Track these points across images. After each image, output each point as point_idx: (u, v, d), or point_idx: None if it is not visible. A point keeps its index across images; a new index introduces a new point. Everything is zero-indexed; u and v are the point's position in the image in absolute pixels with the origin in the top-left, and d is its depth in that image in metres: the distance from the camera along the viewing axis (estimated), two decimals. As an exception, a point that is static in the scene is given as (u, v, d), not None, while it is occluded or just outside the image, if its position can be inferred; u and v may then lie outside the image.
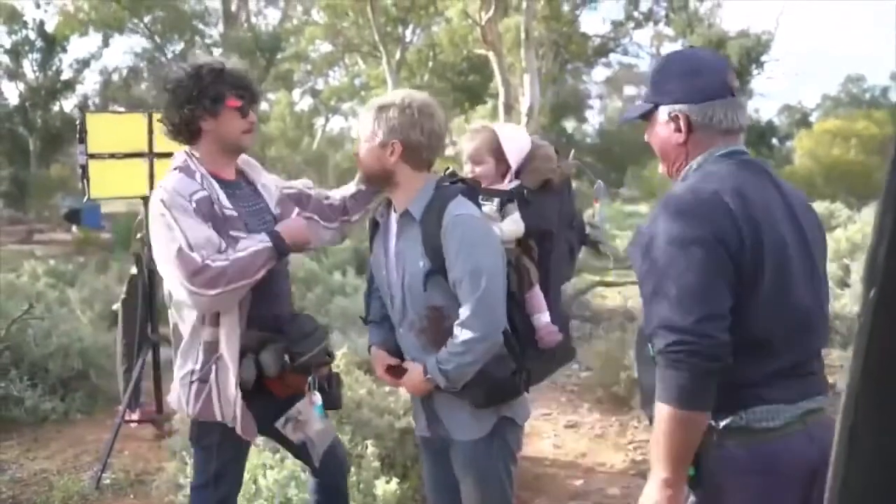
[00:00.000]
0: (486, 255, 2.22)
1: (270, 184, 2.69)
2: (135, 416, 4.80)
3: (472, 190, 2.38)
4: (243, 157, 2.67)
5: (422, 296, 2.29)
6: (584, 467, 4.38)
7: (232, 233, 2.39)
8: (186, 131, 2.49)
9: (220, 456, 2.55)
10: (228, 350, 2.41)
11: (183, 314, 2.50)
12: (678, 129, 1.81)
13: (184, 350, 2.50)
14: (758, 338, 1.67)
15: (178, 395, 2.54)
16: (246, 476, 3.11)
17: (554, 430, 5.00)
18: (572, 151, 2.85)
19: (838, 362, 6.09)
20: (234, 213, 2.43)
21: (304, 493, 3.03)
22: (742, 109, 1.82)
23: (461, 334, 2.20)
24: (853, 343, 0.69)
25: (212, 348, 2.44)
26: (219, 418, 2.46)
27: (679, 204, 1.68)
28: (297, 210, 2.64)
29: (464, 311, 2.20)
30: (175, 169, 2.47)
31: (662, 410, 1.62)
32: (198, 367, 2.45)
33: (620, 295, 8.90)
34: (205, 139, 2.50)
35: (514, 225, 2.36)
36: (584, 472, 4.32)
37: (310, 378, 2.49)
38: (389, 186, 2.39)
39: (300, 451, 2.69)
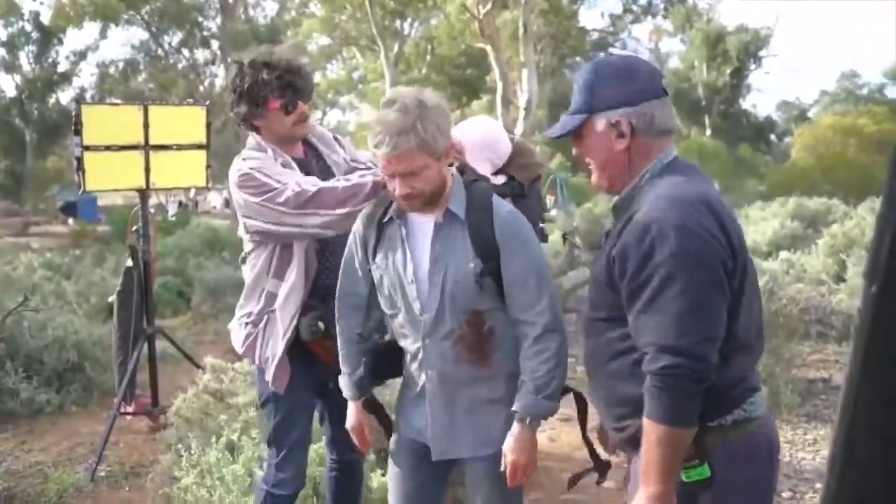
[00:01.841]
0: (540, 253, 2.15)
1: (340, 159, 2.73)
2: (130, 409, 4.79)
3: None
4: (317, 130, 2.76)
5: (471, 299, 2.10)
6: (579, 460, 4.36)
7: None
8: (246, 126, 2.63)
9: (275, 414, 2.68)
10: (283, 309, 2.55)
11: (249, 259, 2.64)
12: (620, 136, 1.76)
13: (247, 293, 2.67)
14: (744, 340, 1.71)
15: (234, 333, 2.71)
16: (241, 469, 3.11)
17: (549, 424, 4.99)
18: (537, 147, 2.84)
19: (833, 357, 6.10)
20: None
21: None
22: (672, 109, 1.81)
23: (550, 340, 2.08)
24: (852, 339, 0.68)
25: (271, 300, 2.58)
26: (256, 362, 2.65)
27: (680, 213, 1.63)
28: None
29: (543, 315, 2.07)
30: (248, 149, 2.61)
31: (654, 428, 1.64)
32: (255, 311, 2.61)
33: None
34: (263, 132, 2.62)
35: None
36: (580, 465, 4.27)
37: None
38: (441, 198, 2.11)
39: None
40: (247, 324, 2.64)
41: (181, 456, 3.50)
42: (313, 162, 2.69)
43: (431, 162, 2.01)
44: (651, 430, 1.64)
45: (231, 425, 3.54)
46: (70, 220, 18.88)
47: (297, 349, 2.58)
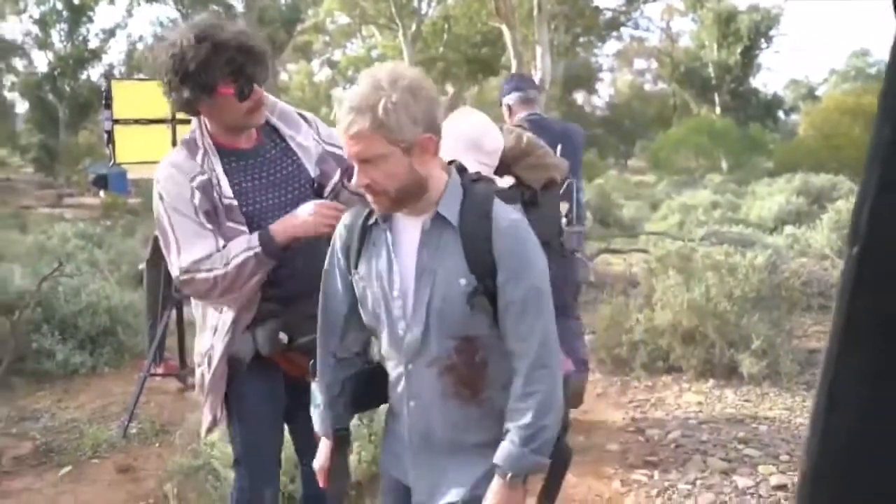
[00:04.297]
0: (544, 274, 1.76)
1: (309, 141, 2.37)
2: (159, 370, 4.96)
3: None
4: (280, 108, 2.38)
5: (459, 323, 1.74)
6: (585, 424, 4.47)
7: (229, 224, 2.18)
8: (189, 112, 2.23)
9: (241, 433, 2.39)
10: (222, 339, 2.28)
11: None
12: (508, 110, 4.38)
13: (199, 329, 2.40)
14: None
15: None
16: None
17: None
18: (559, 147, 2.76)
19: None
20: (234, 202, 2.19)
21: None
22: (530, 94, 4.42)
23: (538, 381, 1.71)
24: (835, 301, 0.69)
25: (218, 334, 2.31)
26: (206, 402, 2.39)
27: None
28: (334, 180, 2.38)
29: (532, 347, 1.72)
30: (182, 142, 2.27)
31: None
32: (203, 350, 2.33)
33: (625, 261, 8.87)
34: (207, 118, 2.24)
35: None
36: (586, 428, 4.41)
37: (311, 363, 2.10)
38: (417, 200, 1.75)
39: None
40: (198, 365, 2.35)
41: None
42: (269, 148, 2.32)
43: (394, 152, 1.66)
44: None
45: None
46: (101, 193, 19.14)
47: (257, 361, 2.28)
